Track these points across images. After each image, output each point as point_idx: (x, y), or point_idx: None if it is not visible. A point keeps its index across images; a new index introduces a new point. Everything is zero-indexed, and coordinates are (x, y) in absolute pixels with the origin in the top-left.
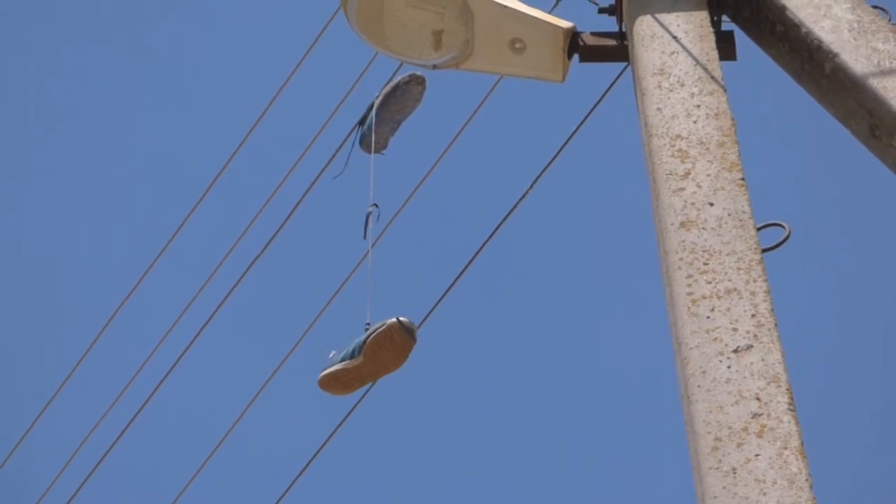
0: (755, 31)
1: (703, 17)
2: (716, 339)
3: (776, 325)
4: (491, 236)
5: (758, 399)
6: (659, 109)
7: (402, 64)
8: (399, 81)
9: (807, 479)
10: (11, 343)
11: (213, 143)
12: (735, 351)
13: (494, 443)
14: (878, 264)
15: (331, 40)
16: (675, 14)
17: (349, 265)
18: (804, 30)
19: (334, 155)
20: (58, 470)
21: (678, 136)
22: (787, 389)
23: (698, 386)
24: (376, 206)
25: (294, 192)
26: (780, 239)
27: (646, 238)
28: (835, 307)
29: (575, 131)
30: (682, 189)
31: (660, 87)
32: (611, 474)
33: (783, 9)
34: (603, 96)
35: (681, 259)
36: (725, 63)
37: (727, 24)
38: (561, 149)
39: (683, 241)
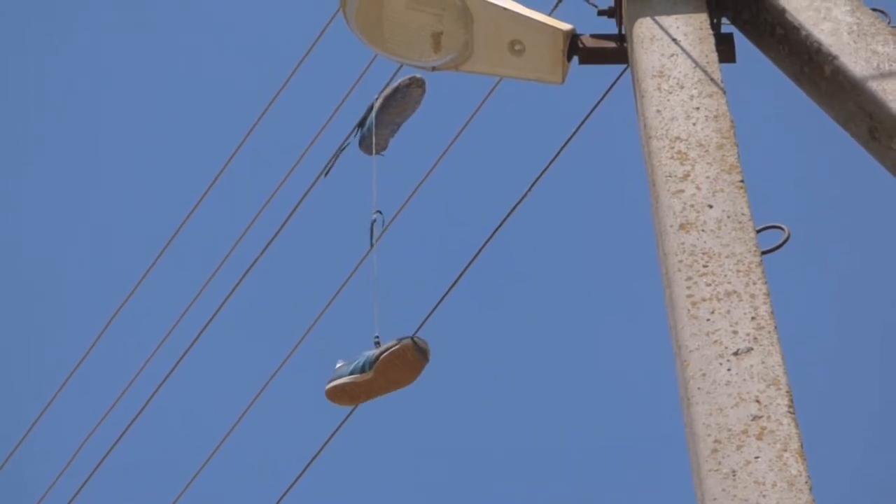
0: (755, 33)
1: (702, 19)
2: (716, 341)
3: (776, 327)
4: (490, 238)
5: (758, 401)
6: (658, 111)
7: (401, 66)
8: (399, 84)
9: (806, 482)
10: (11, 343)
11: (212, 144)
12: (735, 353)
13: (494, 444)
14: (877, 267)
15: (330, 42)
16: (674, 16)
17: (349, 267)
18: (804, 32)
19: (332, 157)
20: (58, 470)
21: (677, 138)
22: (787, 392)
23: (698, 388)
24: (380, 213)
25: (294, 193)
26: (780, 241)
27: (645, 240)
28: (834, 310)
29: (574, 133)
30: (682, 191)
31: (659, 89)
32: (610, 476)
33: (783, 11)
34: (602, 98)
35: (680, 261)
36: (725, 65)
37: (727, 26)
38: (560, 150)
39: (683, 244)
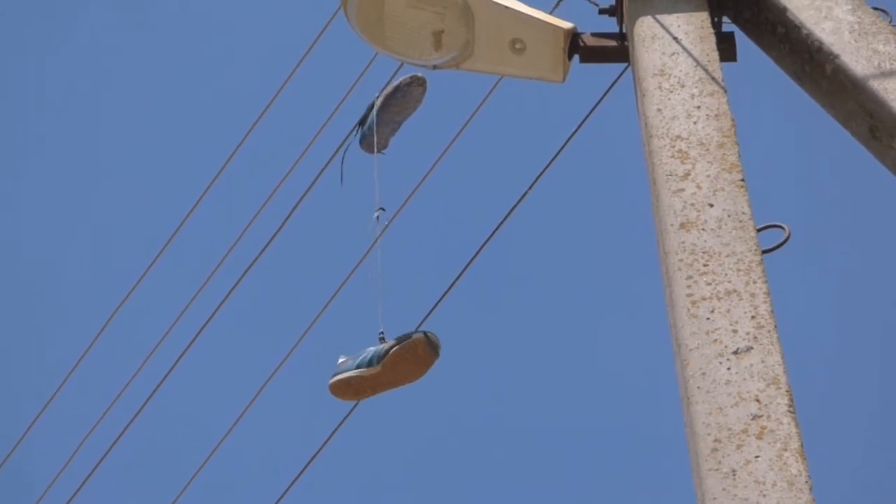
0: (756, 32)
1: (703, 18)
2: (715, 340)
3: (776, 326)
4: (491, 236)
5: (757, 401)
6: (659, 110)
7: (402, 64)
8: (400, 83)
9: (806, 481)
10: (11, 342)
11: (213, 142)
12: (735, 352)
13: (493, 444)
14: (878, 266)
15: (331, 40)
16: (675, 15)
17: (349, 265)
18: (805, 31)
19: (334, 154)
20: (57, 470)
21: (678, 136)
22: (787, 391)
23: (698, 387)
24: (383, 209)
25: (294, 192)
26: (780, 240)
27: (645, 239)
28: (835, 309)
29: (575, 132)
30: (682, 190)
31: (660, 87)
32: (610, 475)
33: (784, 10)
34: (603, 97)
35: (680, 260)
36: (726, 64)
37: (728, 25)
38: (561, 149)
39: (683, 243)
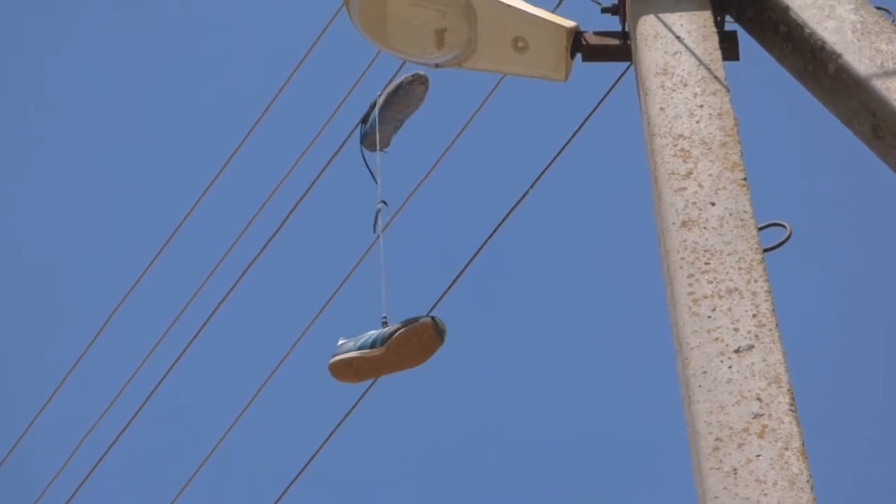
0: (758, 31)
1: (706, 16)
2: (717, 339)
3: (777, 325)
4: (492, 235)
5: (759, 399)
6: (662, 109)
7: (404, 62)
8: (402, 81)
9: (808, 480)
10: (11, 341)
11: (215, 140)
12: (736, 351)
13: (494, 443)
14: (879, 265)
15: (333, 38)
16: (678, 14)
17: (350, 263)
18: (808, 30)
19: (336, 152)
20: (58, 467)
21: (680, 135)
22: (789, 390)
23: (699, 386)
24: (385, 203)
25: (296, 190)
26: (782, 239)
27: (647, 237)
28: (836, 308)
29: (577, 131)
30: (684, 188)
31: (663, 86)
32: (611, 474)
33: (787, 9)
34: (605, 96)
35: (682, 259)
36: (728, 63)
37: (730, 24)
38: (563, 148)
39: (685, 241)
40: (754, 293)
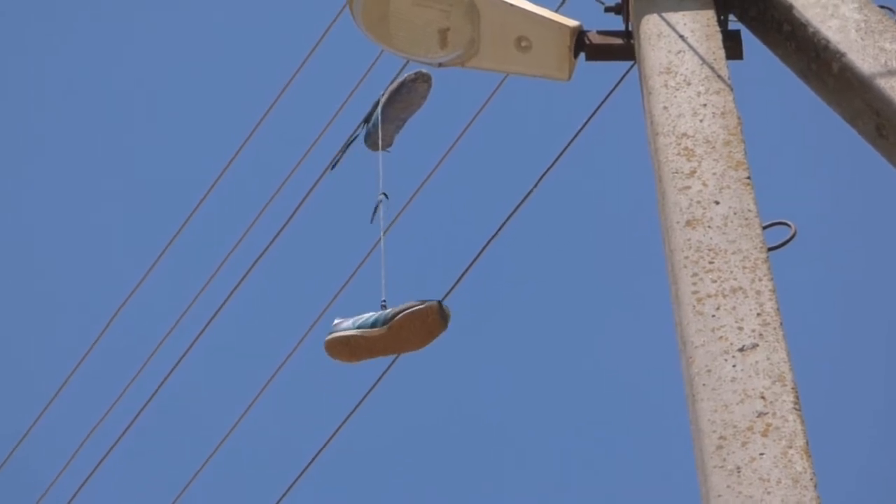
0: (762, 30)
1: (709, 15)
2: (721, 337)
3: (781, 324)
4: (495, 235)
5: (763, 398)
6: (665, 108)
7: (407, 62)
8: (405, 79)
9: (811, 479)
10: (13, 340)
11: (218, 140)
12: (740, 350)
13: (497, 443)
14: (883, 264)
15: (336, 38)
16: (681, 13)
17: (354, 263)
18: (811, 29)
19: (339, 152)
20: (60, 468)
21: (684, 134)
22: (793, 388)
23: (703, 385)
24: (385, 195)
25: (299, 189)
26: (786, 238)
27: (651, 236)
28: (840, 306)
29: (580, 130)
30: (688, 187)
31: (666, 85)
32: (614, 472)
33: (790, 8)
34: (609, 95)
35: (686, 257)
36: (732, 62)
37: (734, 23)
38: (566, 147)
39: (689, 240)
40: (758, 292)
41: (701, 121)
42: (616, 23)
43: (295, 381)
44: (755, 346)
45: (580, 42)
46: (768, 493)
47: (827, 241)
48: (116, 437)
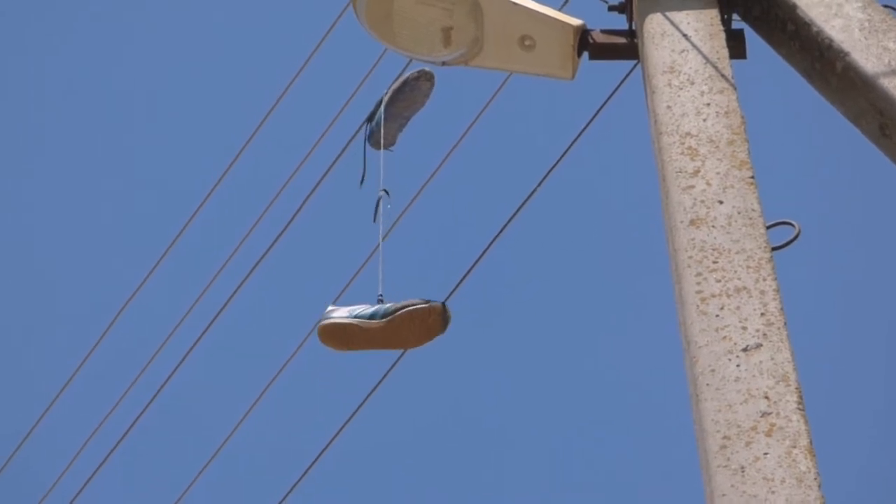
0: (765, 29)
1: (713, 15)
2: (725, 337)
3: (785, 323)
4: (499, 234)
5: (767, 398)
6: (669, 107)
7: (411, 61)
8: (408, 77)
9: (815, 478)
10: (15, 340)
11: (220, 139)
12: (744, 349)
13: (498, 444)
14: (887, 263)
15: (340, 37)
16: (685, 12)
17: (357, 262)
18: (815, 28)
19: (342, 151)
20: (61, 469)
21: (688, 133)
22: (797, 388)
23: (707, 384)
24: (386, 192)
25: (302, 189)
26: (790, 237)
27: (654, 236)
28: (844, 306)
29: (584, 129)
30: (692, 187)
31: (670, 84)
32: (618, 472)
33: (794, 7)
34: (612, 94)
35: (690, 257)
36: (735, 61)
37: (737, 22)
38: (570, 146)
39: (693, 240)
40: (762, 292)
41: (704, 120)
42: (619, 22)
43: (296, 383)
44: (759, 345)
45: (584, 41)
46: (772, 492)
47: (831, 241)
48: (118, 438)
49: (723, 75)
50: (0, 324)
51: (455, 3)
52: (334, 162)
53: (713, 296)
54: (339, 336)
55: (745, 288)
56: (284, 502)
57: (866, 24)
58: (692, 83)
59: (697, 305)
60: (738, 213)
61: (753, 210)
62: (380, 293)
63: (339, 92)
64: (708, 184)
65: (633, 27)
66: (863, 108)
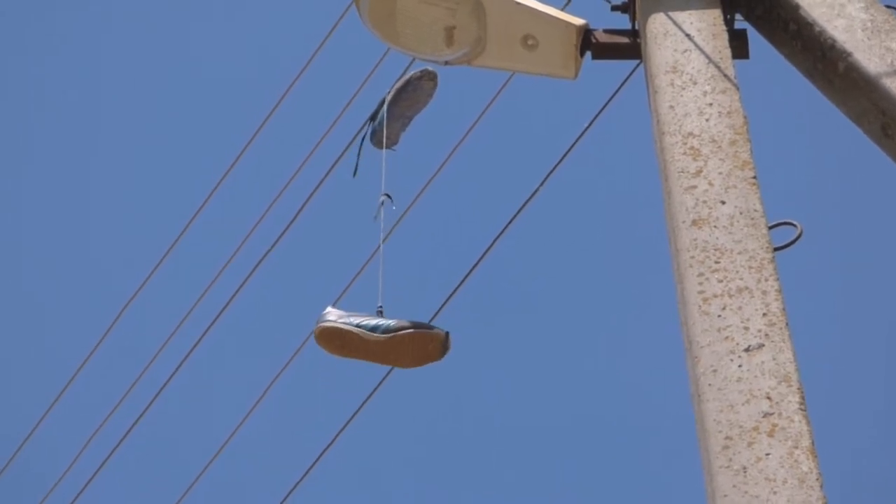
0: (768, 29)
1: (716, 14)
2: (727, 337)
3: (787, 324)
4: (501, 234)
5: (769, 398)
6: (671, 107)
7: (413, 60)
8: (410, 77)
9: (817, 479)
10: (16, 341)
11: (222, 139)
12: (746, 350)
13: (500, 445)
14: (889, 264)
15: (343, 36)
16: (688, 12)
17: (359, 262)
18: (817, 28)
19: (345, 150)
20: (63, 469)
21: (690, 133)
22: (799, 389)
23: (709, 385)
24: (388, 196)
25: (304, 188)
26: (792, 238)
27: (657, 236)
28: (846, 307)
29: (587, 128)
30: (694, 187)
31: (672, 84)
32: (620, 472)
33: (796, 7)
34: (615, 94)
35: (692, 257)
36: (738, 61)
37: (740, 22)
38: (572, 146)
39: (695, 240)
40: (764, 292)
41: (707, 120)
42: (622, 21)
43: (298, 383)
44: (761, 346)
45: (586, 40)
46: (774, 493)
47: (833, 242)
48: (120, 437)
49: (725, 75)
50: (0, 324)
51: (458, 2)
52: (336, 161)
53: (715, 296)
54: (337, 341)
55: (747, 288)
56: (286, 502)
57: (869, 24)
58: (695, 83)
59: (699, 305)
60: (741, 213)
61: (756, 210)
62: (379, 305)
63: (342, 91)
64: (710, 184)
65: (636, 27)
66: (865, 108)
